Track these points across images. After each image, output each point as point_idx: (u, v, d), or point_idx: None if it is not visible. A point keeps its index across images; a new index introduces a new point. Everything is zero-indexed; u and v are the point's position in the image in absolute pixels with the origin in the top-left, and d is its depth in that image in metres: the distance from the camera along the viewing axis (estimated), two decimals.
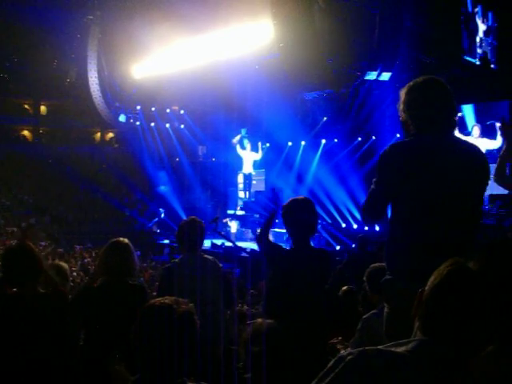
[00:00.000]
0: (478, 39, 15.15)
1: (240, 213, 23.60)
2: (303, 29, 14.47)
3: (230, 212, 24.67)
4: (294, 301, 3.88)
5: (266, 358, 2.89)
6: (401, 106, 3.26)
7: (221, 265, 5.13)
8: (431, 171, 3.05)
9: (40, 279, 3.57)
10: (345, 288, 5.36)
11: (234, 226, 22.80)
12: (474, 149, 3.23)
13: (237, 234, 22.33)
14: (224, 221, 23.02)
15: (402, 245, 3.05)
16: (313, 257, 4.09)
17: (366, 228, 18.38)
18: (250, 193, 23.43)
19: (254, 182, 23.46)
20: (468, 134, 15.34)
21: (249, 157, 23.09)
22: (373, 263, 4.39)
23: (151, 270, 18.18)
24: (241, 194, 24.84)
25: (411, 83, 3.25)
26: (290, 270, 3.99)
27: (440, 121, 3.14)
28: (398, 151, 3.17)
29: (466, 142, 3.32)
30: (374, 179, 3.23)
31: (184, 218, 24.64)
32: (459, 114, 14.53)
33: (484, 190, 3.14)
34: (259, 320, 3.30)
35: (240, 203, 24.28)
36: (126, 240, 4.23)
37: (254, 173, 23.33)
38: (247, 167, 23.15)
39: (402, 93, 3.26)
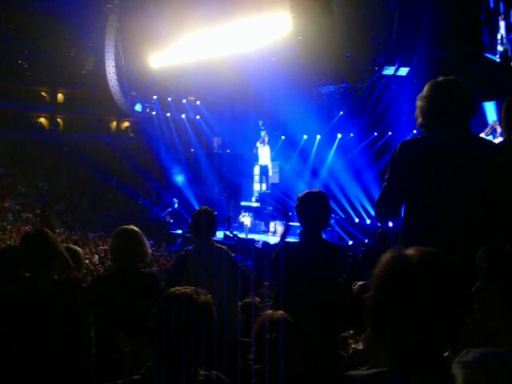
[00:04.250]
0: (499, 36, 14.94)
1: (255, 205, 23.65)
2: (321, 22, 14.42)
3: (244, 204, 24.69)
4: (302, 293, 3.88)
5: (278, 347, 2.90)
6: (418, 103, 3.29)
7: (233, 254, 5.16)
8: (441, 168, 3.07)
9: (55, 265, 3.60)
10: (361, 283, 5.35)
11: (247, 220, 22.82)
12: (486, 147, 3.23)
13: (250, 227, 22.38)
14: (241, 217, 23.02)
15: (415, 240, 3.05)
16: (323, 250, 4.09)
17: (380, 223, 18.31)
18: (266, 185, 23.47)
19: (270, 174, 23.51)
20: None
21: (265, 149, 23.13)
22: None
23: (163, 259, 18.26)
24: (256, 186, 24.86)
25: (429, 82, 3.28)
26: (298, 263, 3.99)
27: (453, 119, 3.16)
28: (410, 148, 3.20)
29: (479, 140, 3.33)
30: (386, 176, 3.26)
31: (197, 208, 24.64)
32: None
33: (497, 186, 3.12)
34: (269, 311, 3.31)
35: (255, 195, 24.32)
36: (134, 227, 4.25)
37: (270, 165, 23.37)
38: (264, 159, 23.19)
39: (423, 90, 3.30)
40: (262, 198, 23.35)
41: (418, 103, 3.29)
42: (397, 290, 1.56)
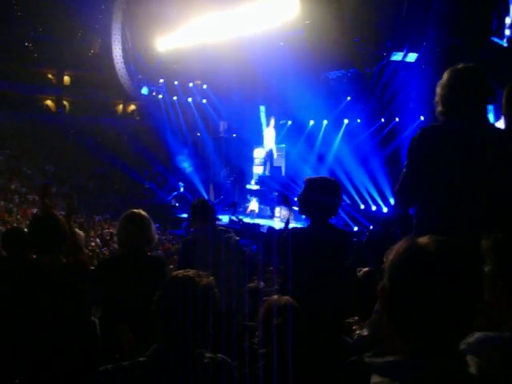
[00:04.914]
0: (507, 20, 14.69)
1: (255, 187, 23.71)
2: (330, 7, 14.33)
3: (249, 187, 24.70)
4: (309, 279, 3.88)
5: (285, 332, 2.91)
6: (438, 90, 3.27)
7: (237, 237, 5.21)
8: (458, 156, 3.06)
9: (63, 248, 3.61)
10: (366, 269, 5.34)
11: (255, 206, 22.85)
12: (504, 136, 3.21)
13: (257, 212, 22.45)
14: (248, 210, 23.05)
15: (430, 228, 3.05)
16: (330, 236, 4.07)
17: (385, 210, 18.35)
18: (270, 168, 23.50)
19: (275, 157, 23.53)
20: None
21: (271, 133, 23.17)
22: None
23: (168, 243, 18.32)
24: (256, 169, 24.84)
25: (449, 69, 3.25)
26: (305, 248, 3.98)
27: (473, 108, 3.14)
28: (428, 135, 3.19)
29: (497, 129, 3.31)
30: (405, 163, 3.26)
31: (203, 192, 24.76)
32: None
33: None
34: (276, 297, 3.31)
35: (255, 178, 24.37)
36: (142, 211, 4.24)
37: (274, 149, 23.40)
38: (269, 143, 23.23)
39: (443, 77, 3.28)
40: (262, 180, 23.41)
41: (438, 90, 3.27)
42: (413, 279, 1.55)
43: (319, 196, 4.00)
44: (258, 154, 24.73)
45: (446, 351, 1.56)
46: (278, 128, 23.55)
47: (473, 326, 1.75)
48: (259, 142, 24.57)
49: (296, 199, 4.31)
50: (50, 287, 3.45)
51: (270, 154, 23.44)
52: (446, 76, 3.26)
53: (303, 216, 4.27)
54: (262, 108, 24.87)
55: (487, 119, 3.21)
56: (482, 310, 1.90)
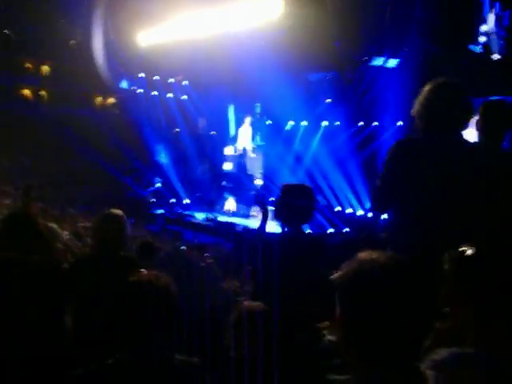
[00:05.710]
0: (484, 28, 14.69)
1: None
2: (313, 8, 14.38)
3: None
4: (281, 286, 3.90)
5: (257, 339, 2.92)
6: (415, 104, 3.33)
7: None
8: (432, 171, 3.10)
9: (37, 247, 3.57)
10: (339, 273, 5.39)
11: (232, 204, 22.79)
12: (478, 152, 3.27)
13: (234, 211, 22.41)
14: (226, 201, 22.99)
15: (404, 242, 3.10)
16: (304, 242, 4.09)
17: (360, 213, 18.51)
18: (237, 166, 23.46)
19: (251, 155, 23.41)
20: None
21: (246, 132, 23.14)
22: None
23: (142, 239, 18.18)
24: (226, 167, 24.70)
25: (428, 84, 3.31)
26: (278, 255, 3.99)
27: (448, 124, 3.19)
28: (403, 149, 3.25)
29: (471, 145, 3.36)
30: (380, 174, 3.30)
31: (181, 189, 24.60)
32: None
33: (487, 190, 3.14)
34: (247, 303, 3.33)
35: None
36: (120, 212, 4.20)
37: (250, 148, 23.32)
38: (243, 142, 23.20)
39: (422, 91, 3.33)
40: (228, 177, 23.47)
41: (416, 105, 3.32)
42: (363, 295, 1.56)
43: (294, 202, 4.03)
44: (229, 152, 24.67)
45: (403, 368, 1.57)
46: (256, 127, 23.51)
47: (436, 342, 1.77)
48: (231, 140, 24.60)
49: (272, 202, 4.35)
50: (21, 287, 3.41)
51: (243, 154, 23.39)
52: (424, 91, 3.31)
53: (277, 222, 4.30)
54: (231, 107, 24.86)
55: (462, 136, 3.26)
56: (444, 326, 1.93)
